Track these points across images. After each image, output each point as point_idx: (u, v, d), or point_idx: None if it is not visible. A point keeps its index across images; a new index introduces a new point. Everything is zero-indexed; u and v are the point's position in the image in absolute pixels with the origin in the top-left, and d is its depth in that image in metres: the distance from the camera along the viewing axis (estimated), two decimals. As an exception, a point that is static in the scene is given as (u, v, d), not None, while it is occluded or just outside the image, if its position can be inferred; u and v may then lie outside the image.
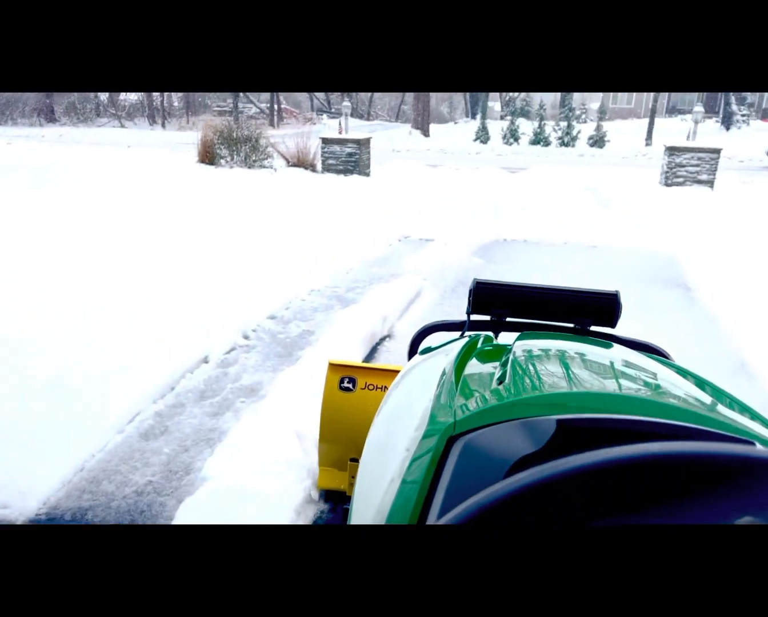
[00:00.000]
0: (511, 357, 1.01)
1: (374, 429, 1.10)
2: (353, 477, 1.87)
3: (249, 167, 12.66)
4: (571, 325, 1.41)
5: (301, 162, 12.87)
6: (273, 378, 3.19)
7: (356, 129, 20.94)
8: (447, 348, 1.22)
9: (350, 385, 2.11)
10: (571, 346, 1.15)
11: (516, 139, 21.99)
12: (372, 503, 0.83)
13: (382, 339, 3.96)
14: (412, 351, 1.51)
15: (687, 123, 32.60)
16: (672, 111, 37.69)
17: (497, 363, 1.03)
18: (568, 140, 21.45)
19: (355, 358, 3.36)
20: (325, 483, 2.16)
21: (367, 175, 12.77)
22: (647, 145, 21.55)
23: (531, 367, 1.01)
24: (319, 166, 12.75)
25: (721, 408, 0.87)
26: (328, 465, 2.17)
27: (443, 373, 1.01)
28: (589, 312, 1.40)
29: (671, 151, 11.71)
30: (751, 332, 4.11)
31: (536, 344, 1.15)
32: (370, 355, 3.70)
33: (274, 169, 12.33)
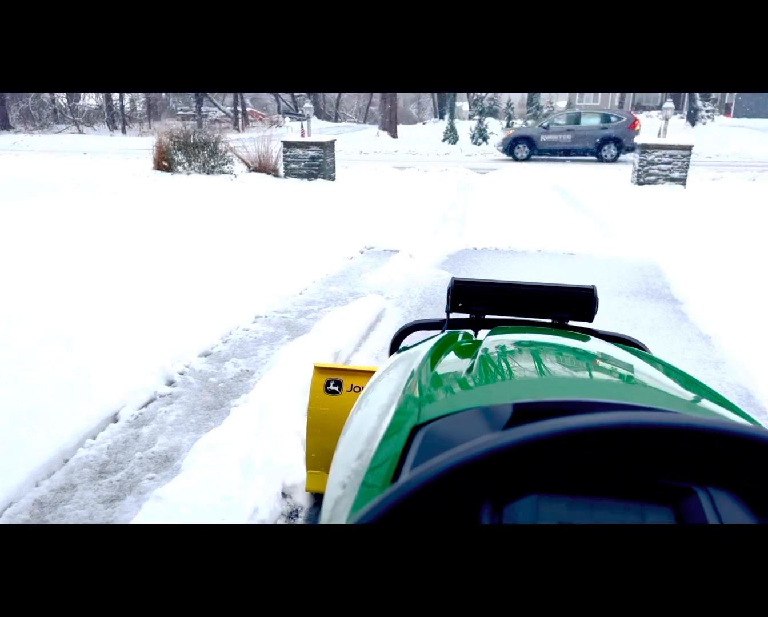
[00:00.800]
0: (480, 350, 1.00)
1: (347, 430, 1.06)
2: None
3: (207, 173, 11.94)
4: (549, 321, 1.41)
5: (262, 167, 12.19)
6: (196, 439, 2.57)
7: (323, 131, 20.27)
8: (422, 346, 1.19)
9: (336, 388, 2.07)
10: (542, 339, 1.16)
11: (485, 139, 21.56)
12: (338, 501, 0.78)
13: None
14: (393, 351, 1.49)
15: (653, 119, 32.73)
16: (637, 108, 37.83)
17: (469, 358, 1.02)
18: (536, 139, 21.10)
19: (297, 408, 2.75)
20: (312, 486, 2.10)
21: (332, 179, 12.14)
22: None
23: (500, 359, 1.00)
24: (282, 171, 12.08)
25: (686, 393, 0.86)
26: (316, 468, 2.09)
27: (413, 371, 0.99)
28: (566, 307, 1.40)
29: (643, 148, 11.32)
30: (751, 354, 3.60)
31: (508, 338, 1.15)
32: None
33: (234, 174, 11.62)
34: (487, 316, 1.46)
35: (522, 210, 8.57)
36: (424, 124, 31.82)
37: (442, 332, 1.33)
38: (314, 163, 11.86)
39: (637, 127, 16.29)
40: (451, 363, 1.05)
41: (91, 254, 5.43)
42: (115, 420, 2.77)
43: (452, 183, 12.01)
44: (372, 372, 2.10)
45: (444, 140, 21.93)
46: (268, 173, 12.16)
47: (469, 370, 0.92)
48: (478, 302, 1.45)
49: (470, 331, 1.36)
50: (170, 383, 3.15)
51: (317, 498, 2.28)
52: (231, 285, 4.69)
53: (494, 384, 0.86)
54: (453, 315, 1.48)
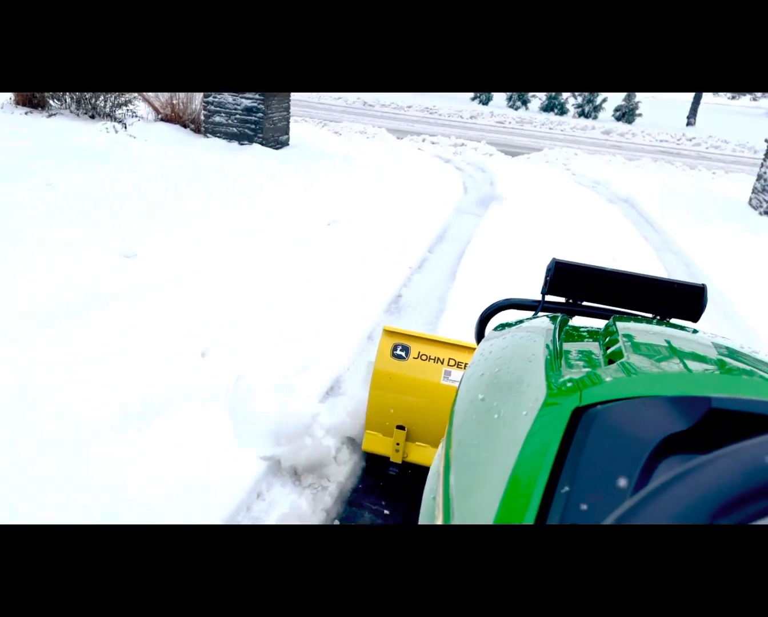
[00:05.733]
0: (620, 336, 0.89)
1: (465, 402, 0.95)
2: (398, 443, 1.93)
3: (91, 117, 7.33)
4: (650, 315, 1.26)
5: (177, 115, 7.52)
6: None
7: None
8: (532, 324, 1.09)
9: (403, 353, 1.97)
10: (676, 334, 0.99)
11: (524, 103, 16.33)
12: (481, 475, 0.73)
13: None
14: (482, 326, 1.39)
15: (736, 100, 26.34)
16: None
17: (593, 343, 0.93)
18: (589, 109, 15.81)
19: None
20: (369, 446, 1.99)
21: (279, 145, 7.40)
22: (689, 124, 15.92)
23: (646, 348, 0.87)
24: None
25: None
26: (374, 429, 1.99)
27: (548, 346, 0.89)
28: (672, 303, 1.27)
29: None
30: None
31: (642, 328, 1.01)
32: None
33: (124, 124, 6.94)
34: (584, 303, 1.32)
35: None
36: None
37: (536, 314, 1.24)
38: (249, 119, 7.13)
39: None
40: (580, 346, 0.94)
41: None
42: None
43: (461, 174, 7.21)
44: (442, 343, 2.00)
45: (474, 98, 16.75)
46: (185, 125, 7.50)
47: (614, 356, 0.80)
48: (578, 287, 1.30)
49: (566, 316, 1.17)
50: None
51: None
52: None
53: (662, 373, 0.73)
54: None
